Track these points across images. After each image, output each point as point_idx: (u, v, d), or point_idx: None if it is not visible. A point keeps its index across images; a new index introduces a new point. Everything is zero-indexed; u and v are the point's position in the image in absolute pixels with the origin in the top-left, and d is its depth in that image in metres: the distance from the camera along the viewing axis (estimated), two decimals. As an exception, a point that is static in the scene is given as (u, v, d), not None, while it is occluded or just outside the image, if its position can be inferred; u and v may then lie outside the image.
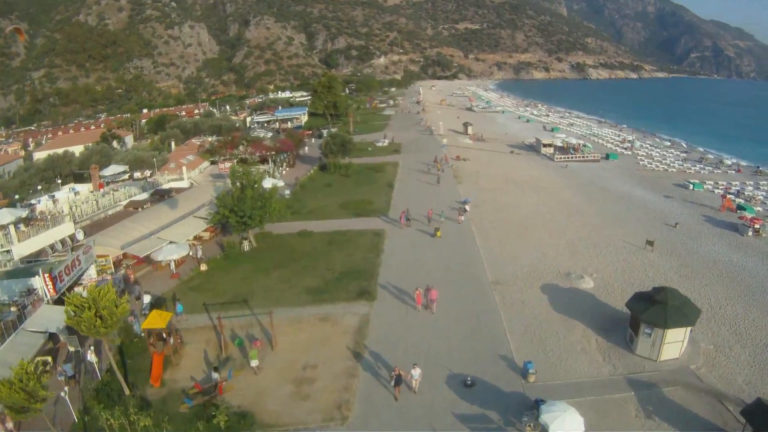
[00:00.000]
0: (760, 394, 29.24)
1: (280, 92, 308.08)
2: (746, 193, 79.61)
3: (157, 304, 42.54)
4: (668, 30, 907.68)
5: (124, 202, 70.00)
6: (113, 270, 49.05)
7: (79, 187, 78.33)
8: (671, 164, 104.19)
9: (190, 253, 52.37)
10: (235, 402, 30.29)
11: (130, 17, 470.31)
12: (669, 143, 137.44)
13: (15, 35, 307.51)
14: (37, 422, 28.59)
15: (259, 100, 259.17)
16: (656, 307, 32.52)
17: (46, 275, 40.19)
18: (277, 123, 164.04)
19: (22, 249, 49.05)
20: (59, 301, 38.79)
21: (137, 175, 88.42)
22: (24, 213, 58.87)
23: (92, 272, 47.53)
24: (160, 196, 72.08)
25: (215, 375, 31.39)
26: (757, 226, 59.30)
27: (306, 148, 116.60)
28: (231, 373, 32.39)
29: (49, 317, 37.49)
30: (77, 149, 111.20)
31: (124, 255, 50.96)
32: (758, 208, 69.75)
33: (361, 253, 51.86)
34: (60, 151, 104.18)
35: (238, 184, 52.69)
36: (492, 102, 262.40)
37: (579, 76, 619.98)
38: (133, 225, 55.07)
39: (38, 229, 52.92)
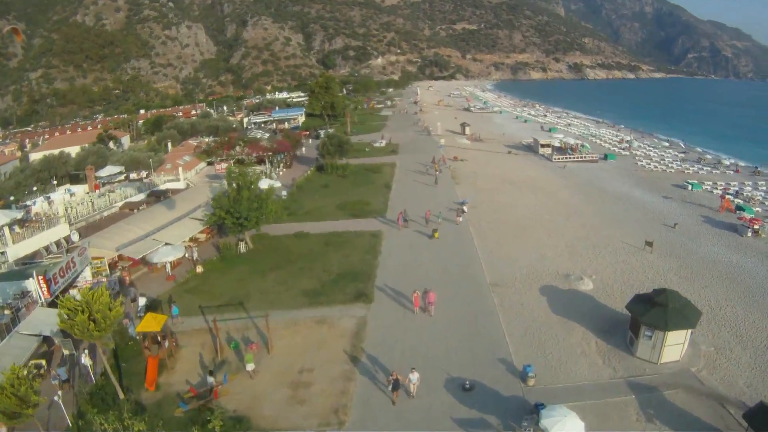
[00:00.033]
0: (761, 396, 29.01)
1: (277, 93, 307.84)
2: (745, 194, 79.42)
3: (152, 306, 42.16)
4: (666, 30, 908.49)
5: (120, 204, 69.66)
6: (108, 272, 48.62)
7: (74, 188, 77.83)
8: (669, 164, 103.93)
9: (186, 255, 51.97)
10: (231, 406, 29.85)
11: (128, 18, 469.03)
12: (667, 143, 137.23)
13: (12, 35, 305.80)
14: (29, 427, 28.13)
15: (257, 100, 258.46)
16: (657, 310, 32.22)
17: (40, 277, 39.85)
18: (274, 123, 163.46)
19: (16, 251, 48.62)
20: (54, 304, 38.30)
21: (133, 176, 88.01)
22: (19, 214, 58.36)
23: (87, 274, 47.10)
24: (156, 197, 71.71)
25: (210, 379, 30.98)
26: (756, 226, 59.08)
27: (303, 148, 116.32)
28: (226, 377, 31.98)
29: (44, 320, 37.08)
30: (74, 150, 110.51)
31: (120, 257, 50.49)
32: (757, 209, 69.50)
33: (358, 254, 51.51)
34: (56, 152, 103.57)
35: (234, 185, 52.34)
36: (489, 102, 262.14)
37: (576, 77, 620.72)
38: (129, 226, 54.70)
39: (33, 230, 52.47)
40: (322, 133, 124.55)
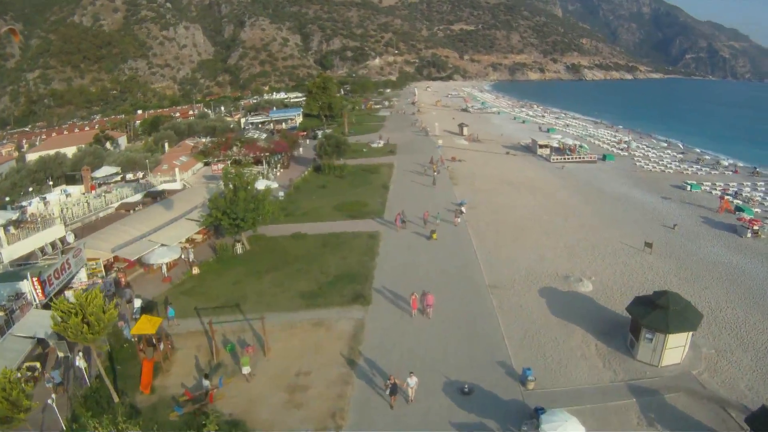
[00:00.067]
0: (762, 399, 28.79)
1: (275, 93, 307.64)
2: (744, 194, 79.24)
3: (148, 308, 41.83)
4: (663, 31, 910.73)
5: (116, 204, 69.14)
6: (104, 273, 48.22)
7: (70, 188, 77.27)
8: (668, 165, 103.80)
9: (182, 257, 51.59)
10: (227, 410, 29.50)
11: (125, 18, 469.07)
12: (665, 144, 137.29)
13: (10, 36, 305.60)
14: (22, 432, 27.78)
15: (254, 101, 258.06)
16: (658, 312, 31.90)
17: (35, 279, 39.40)
18: (271, 124, 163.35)
19: (11, 252, 48.12)
20: (49, 306, 37.93)
21: (130, 176, 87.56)
22: (15, 215, 58.04)
23: (83, 276, 46.68)
24: (153, 197, 71.28)
25: (206, 382, 30.59)
26: (755, 227, 58.83)
27: (300, 149, 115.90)
28: (222, 380, 31.56)
29: (38, 322, 36.53)
30: (70, 150, 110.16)
31: (116, 258, 50.08)
32: (756, 209, 69.31)
33: (355, 256, 51.15)
34: (52, 152, 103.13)
35: (230, 185, 51.98)
36: (487, 103, 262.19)
37: (574, 77, 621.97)
38: (125, 227, 54.18)
39: (28, 231, 51.97)
40: (319, 133, 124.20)
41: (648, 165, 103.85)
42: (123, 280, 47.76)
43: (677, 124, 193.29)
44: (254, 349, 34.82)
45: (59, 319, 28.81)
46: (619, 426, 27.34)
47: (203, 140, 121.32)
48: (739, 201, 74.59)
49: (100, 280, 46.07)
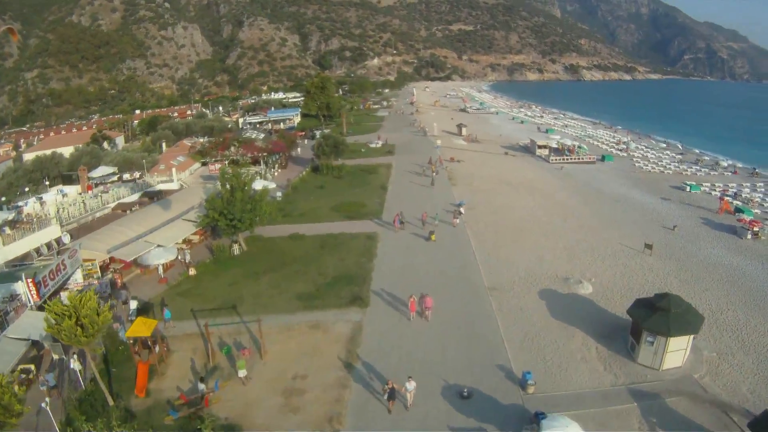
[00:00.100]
0: (765, 403, 28.50)
1: (273, 93, 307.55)
2: (743, 195, 78.98)
3: (144, 309, 41.55)
4: (661, 31, 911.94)
5: (112, 205, 68.79)
6: (100, 274, 47.80)
7: (67, 189, 77.04)
8: (667, 166, 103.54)
9: (179, 258, 51.21)
10: (223, 414, 29.11)
11: (124, 18, 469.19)
12: (664, 145, 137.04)
13: (8, 35, 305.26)
14: (14, 437, 27.38)
15: (252, 101, 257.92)
16: (659, 315, 31.57)
17: (30, 280, 39.02)
18: (269, 124, 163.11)
19: (6, 252, 47.82)
20: (43, 307, 37.59)
21: (126, 176, 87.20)
22: (10, 215, 57.68)
23: (78, 277, 46.27)
24: (149, 198, 70.93)
25: (201, 386, 30.20)
26: (756, 228, 58.57)
27: (298, 149, 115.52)
28: (217, 384, 31.17)
29: (33, 324, 36.09)
30: (67, 150, 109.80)
31: (112, 259, 49.64)
32: (756, 210, 69.11)
33: (353, 257, 50.81)
34: (48, 152, 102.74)
35: (227, 186, 51.56)
36: (486, 103, 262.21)
37: (572, 78, 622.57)
38: (121, 228, 53.75)
39: (24, 232, 51.63)
40: (317, 133, 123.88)
41: (647, 166, 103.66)
42: (119, 281, 47.45)
43: (676, 124, 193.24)
44: (250, 351, 34.43)
45: (53, 321, 28.42)
46: (621, 431, 26.98)
47: (201, 140, 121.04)
48: (738, 202, 74.38)
49: (95, 281, 45.62)
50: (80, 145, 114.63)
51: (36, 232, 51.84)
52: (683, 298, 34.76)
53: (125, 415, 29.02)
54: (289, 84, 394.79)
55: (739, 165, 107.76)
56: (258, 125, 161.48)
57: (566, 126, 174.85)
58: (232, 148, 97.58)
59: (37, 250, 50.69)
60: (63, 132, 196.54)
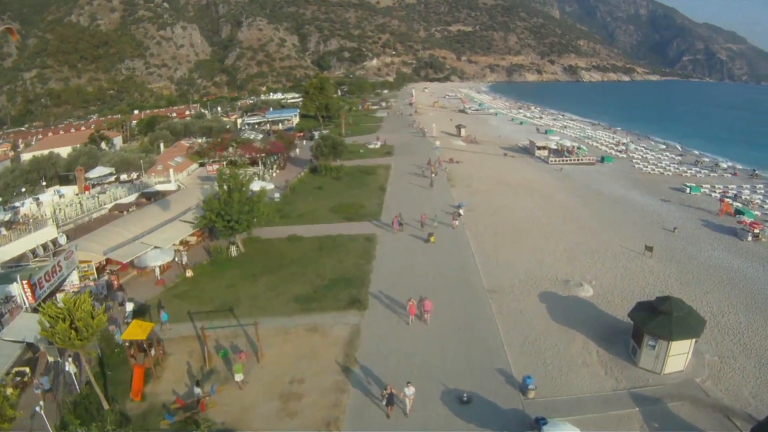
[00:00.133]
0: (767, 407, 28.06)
1: (272, 94, 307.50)
2: (743, 197, 78.76)
3: (140, 311, 41.22)
4: (660, 33, 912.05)
5: (109, 205, 68.48)
6: (96, 276, 47.42)
7: (64, 189, 76.69)
8: (667, 167, 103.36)
9: (176, 259, 50.85)
10: (219, 418, 28.78)
11: (123, 18, 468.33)
12: (664, 146, 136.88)
13: (7, 35, 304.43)
14: (7, 442, 27.02)
15: (251, 101, 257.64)
16: (660, 318, 31.24)
17: (25, 282, 38.71)
18: (268, 125, 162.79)
19: (2, 254, 47.78)
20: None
21: (124, 177, 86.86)
22: (6, 216, 57.42)
23: (74, 278, 45.94)
24: (147, 199, 70.61)
25: (197, 390, 29.84)
26: (756, 230, 58.35)
27: (297, 150, 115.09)
28: (213, 388, 30.78)
29: (28, 326, 35.80)
30: (65, 150, 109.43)
31: (108, 260, 49.30)
32: (756, 212, 68.92)
33: (352, 259, 50.42)
34: (45, 152, 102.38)
35: (224, 187, 51.16)
36: (485, 104, 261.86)
37: (571, 79, 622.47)
38: (117, 229, 53.43)
39: (19, 233, 51.39)
40: (316, 134, 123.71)
41: (647, 167, 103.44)
42: (115, 282, 47.06)
43: (675, 125, 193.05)
44: (247, 355, 34.03)
45: (47, 324, 28.07)
46: (622, 436, 26.71)
47: (199, 141, 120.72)
48: (738, 204, 74.12)
49: (92, 283, 45.32)
50: (78, 146, 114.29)
51: (32, 233, 51.70)
52: (684, 300, 34.49)
53: (120, 420, 28.70)
54: (288, 84, 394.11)
55: (739, 166, 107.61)
56: (256, 126, 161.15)
57: (565, 127, 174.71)
58: (230, 149, 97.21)
59: (33, 252, 50.37)
60: (61, 132, 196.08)
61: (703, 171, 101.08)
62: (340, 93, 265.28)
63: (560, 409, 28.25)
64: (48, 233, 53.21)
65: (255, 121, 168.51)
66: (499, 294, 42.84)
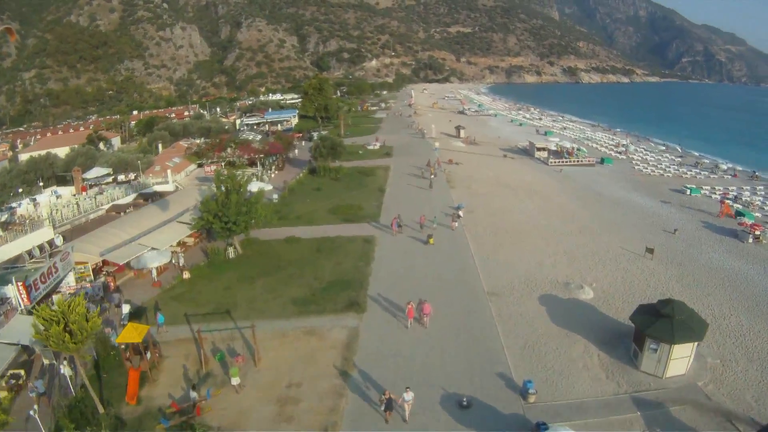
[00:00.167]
0: (770, 411, 27.81)
1: (271, 94, 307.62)
2: (744, 199, 78.63)
3: (137, 313, 40.76)
4: (660, 34, 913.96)
5: (107, 206, 68.06)
6: (92, 277, 47.00)
7: (61, 190, 76.35)
8: (667, 169, 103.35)
9: (173, 261, 50.48)
10: (215, 423, 28.37)
11: (122, 18, 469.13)
12: (664, 148, 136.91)
13: (6, 35, 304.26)
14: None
15: (250, 102, 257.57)
16: (662, 321, 30.89)
17: (20, 283, 38.27)
18: (267, 125, 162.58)
19: (-3, 255, 47.27)
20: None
21: (121, 177, 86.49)
22: (3, 217, 57.04)
23: (70, 280, 45.52)
24: (144, 199, 70.24)
25: (193, 394, 29.43)
26: (757, 232, 58.30)
27: (296, 150, 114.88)
28: (210, 392, 30.37)
29: (23, 328, 35.33)
30: (63, 151, 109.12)
31: (105, 262, 48.89)
32: (756, 214, 68.79)
33: (350, 261, 49.99)
34: (42, 152, 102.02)
35: (222, 188, 50.75)
36: (484, 105, 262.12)
37: (571, 80, 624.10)
38: (114, 230, 52.98)
39: (15, 234, 50.98)
40: (315, 135, 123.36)
41: (646, 169, 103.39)
42: (112, 284, 46.57)
43: (675, 127, 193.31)
44: (244, 358, 33.64)
45: (41, 327, 27.69)
46: (624, 441, 26.36)
47: (197, 141, 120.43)
48: (739, 205, 73.90)
49: (88, 285, 44.91)
50: (76, 146, 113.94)
51: (28, 234, 51.32)
52: (686, 303, 34.13)
53: (115, 423, 28.36)
54: (287, 85, 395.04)
55: (739, 168, 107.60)
56: (255, 126, 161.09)
57: (565, 128, 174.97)
58: (229, 150, 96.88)
59: (29, 253, 49.96)
60: (60, 132, 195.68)
61: (703, 172, 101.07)
62: (339, 94, 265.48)
63: (561, 413, 27.91)
64: (44, 234, 52.81)
65: (254, 122, 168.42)
66: (499, 296, 42.45)
